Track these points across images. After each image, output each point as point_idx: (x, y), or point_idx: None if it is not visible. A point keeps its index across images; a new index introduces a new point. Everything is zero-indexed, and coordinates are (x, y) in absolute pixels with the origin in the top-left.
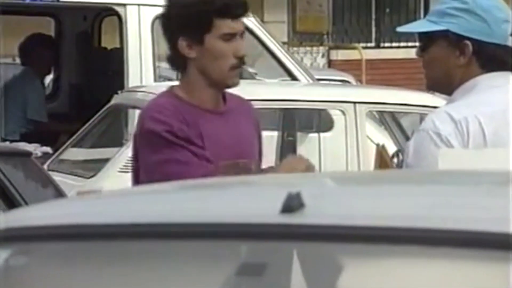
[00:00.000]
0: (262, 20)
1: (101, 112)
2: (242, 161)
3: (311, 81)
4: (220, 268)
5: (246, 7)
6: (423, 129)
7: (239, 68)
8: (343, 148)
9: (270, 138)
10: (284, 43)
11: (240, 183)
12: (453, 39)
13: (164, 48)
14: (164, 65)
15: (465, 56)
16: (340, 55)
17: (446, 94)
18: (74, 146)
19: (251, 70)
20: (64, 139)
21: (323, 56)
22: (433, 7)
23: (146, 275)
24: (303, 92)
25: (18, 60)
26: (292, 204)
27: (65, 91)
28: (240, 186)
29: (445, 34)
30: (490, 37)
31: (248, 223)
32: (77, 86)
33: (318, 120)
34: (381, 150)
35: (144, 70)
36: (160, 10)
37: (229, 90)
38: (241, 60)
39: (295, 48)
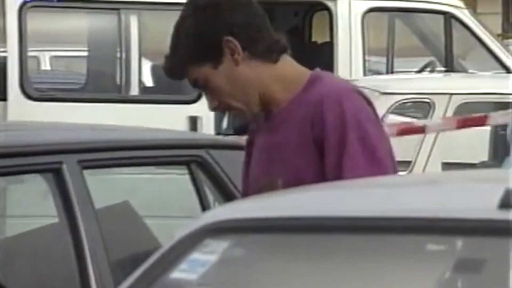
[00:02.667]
0: (475, 12)
1: None
2: (264, 181)
3: None
4: (435, 263)
5: None
6: None
7: None
8: None
9: (482, 134)
10: (498, 35)
11: (456, 179)
12: None
13: (374, 41)
14: (373, 59)
15: None
16: None
17: None
18: None
19: (462, 62)
20: None
21: None
22: None
23: (360, 268)
24: None
25: None
26: (510, 199)
27: None
28: (455, 182)
29: None
30: None
31: (464, 218)
32: None
33: None
34: None
35: (354, 63)
36: (371, 4)
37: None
38: None
39: (510, 40)
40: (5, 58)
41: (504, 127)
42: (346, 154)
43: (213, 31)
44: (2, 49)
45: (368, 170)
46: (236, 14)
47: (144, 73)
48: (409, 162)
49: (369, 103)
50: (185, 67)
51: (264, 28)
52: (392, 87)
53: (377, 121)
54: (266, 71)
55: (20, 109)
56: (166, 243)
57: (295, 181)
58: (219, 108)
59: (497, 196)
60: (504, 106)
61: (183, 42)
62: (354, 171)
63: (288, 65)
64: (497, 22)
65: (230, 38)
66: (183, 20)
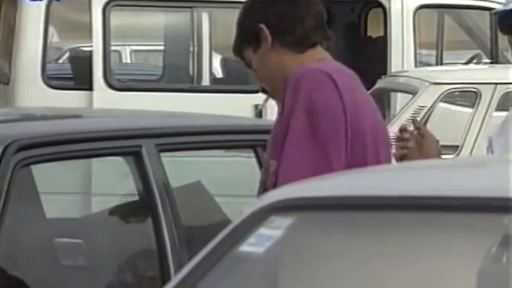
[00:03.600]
0: None
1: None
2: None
3: None
4: (483, 240)
5: None
6: None
7: None
8: None
9: None
10: None
11: (500, 161)
12: None
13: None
14: (424, 52)
15: None
16: None
17: None
18: None
19: (506, 55)
20: None
21: None
22: None
23: (413, 244)
24: None
25: None
26: None
27: None
28: (499, 164)
29: None
30: None
31: (509, 197)
32: None
33: None
34: None
35: (406, 56)
36: (422, 1)
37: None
38: None
39: None
40: (90, 52)
41: None
42: (291, 124)
43: (251, 19)
44: (88, 44)
45: (305, 142)
46: (275, 6)
47: (214, 65)
48: (456, 147)
49: (341, 93)
50: (238, 50)
51: (300, 21)
52: (441, 78)
53: (331, 110)
54: (289, 59)
55: (104, 98)
56: (236, 219)
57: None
58: (263, 89)
59: None
60: None
61: (236, 30)
62: (292, 141)
63: (311, 56)
64: None
65: (262, 26)
66: (240, 13)
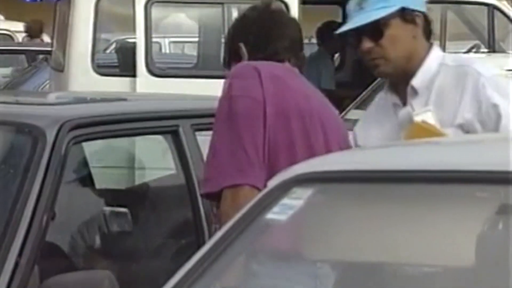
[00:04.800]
0: None
1: (378, 80)
2: None
3: None
4: (482, 209)
5: None
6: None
7: None
8: None
9: None
10: None
11: (499, 139)
12: (408, 15)
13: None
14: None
15: (418, 28)
16: None
17: (405, 73)
18: (356, 108)
19: (502, 45)
20: (348, 103)
21: None
22: None
23: (422, 212)
24: None
25: (313, 41)
26: None
27: (349, 64)
28: (498, 142)
29: (399, 13)
30: (424, 7)
31: (508, 170)
32: (358, 60)
33: None
34: (421, 125)
35: None
36: None
37: None
38: None
39: None
40: (134, 43)
41: None
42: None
43: (234, 39)
44: (132, 37)
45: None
46: (253, 28)
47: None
48: None
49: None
50: (226, 63)
51: (272, 42)
52: None
53: (248, 94)
54: None
55: (146, 83)
56: (263, 191)
57: None
58: None
59: None
60: None
61: (224, 47)
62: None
63: None
64: None
65: (241, 44)
66: (227, 33)
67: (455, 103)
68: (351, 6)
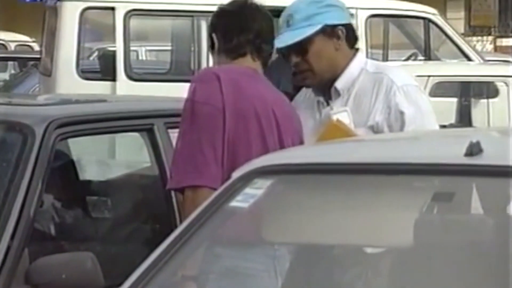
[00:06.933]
0: (445, 17)
1: None
2: None
3: (481, 62)
4: (419, 196)
5: None
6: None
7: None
8: (506, 110)
9: (450, 104)
10: (461, 34)
11: (435, 135)
12: (329, 30)
13: (374, 39)
14: (374, 51)
15: (341, 40)
16: (504, 42)
17: (329, 79)
18: None
19: (437, 54)
20: None
21: (491, 43)
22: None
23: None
24: (476, 69)
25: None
26: (473, 149)
27: None
28: (434, 137)
29: (323, 29)
30: (347, 19)
31: (440, 163)
32: None
33: (487, 90)
34: (336, 124)
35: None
36: (373, 12)
37: None
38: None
39: (469, 38)
40: (114, 51)
41: (467, 98)
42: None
43: (210, 28)
44: (112, 45)
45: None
46: (223, 19)
47: (211, 62)
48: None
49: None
50: (210, 51)
51: (237, 34)
52: None
53: (208, 98)
54: (223, 64)
55: (125, 87)
56: (227, 182)
57: None
58: None
59: (463, 147)
60: (466, 85)
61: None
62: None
63: (240, 63)
64: (461, 25)
65: (213, 34)
66: None
67: (369, 106)
68: (280, 22)
